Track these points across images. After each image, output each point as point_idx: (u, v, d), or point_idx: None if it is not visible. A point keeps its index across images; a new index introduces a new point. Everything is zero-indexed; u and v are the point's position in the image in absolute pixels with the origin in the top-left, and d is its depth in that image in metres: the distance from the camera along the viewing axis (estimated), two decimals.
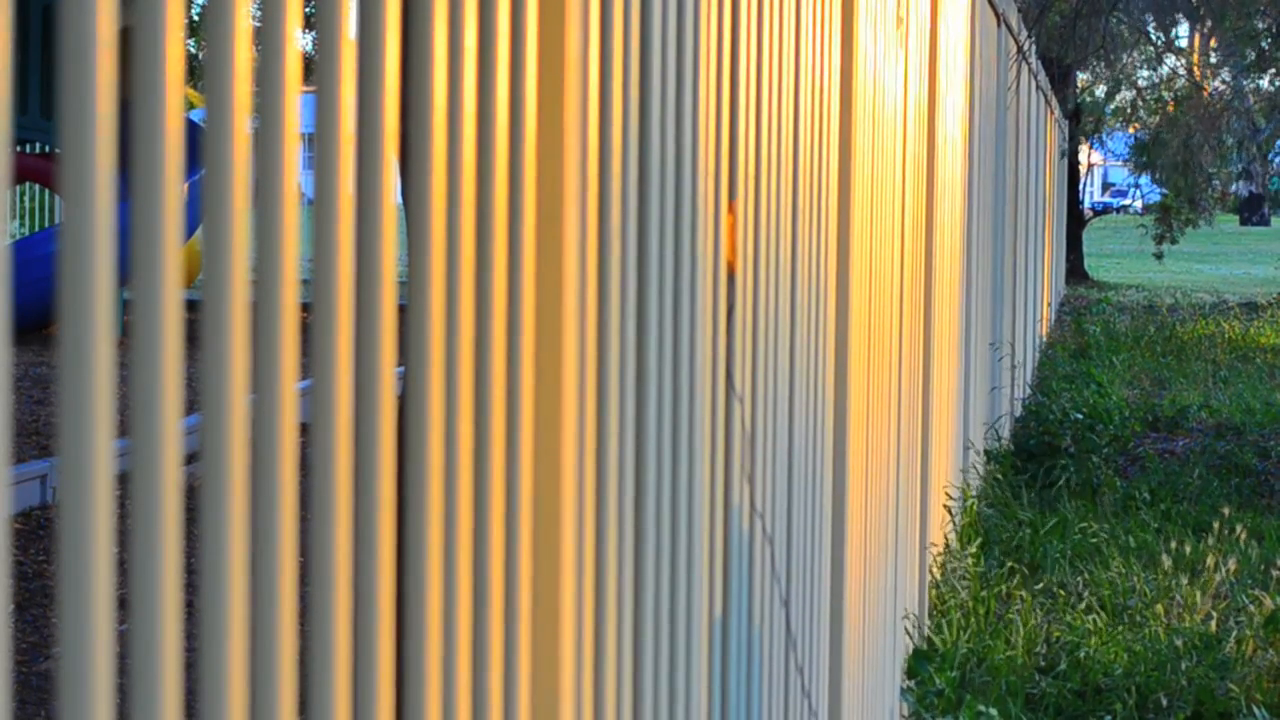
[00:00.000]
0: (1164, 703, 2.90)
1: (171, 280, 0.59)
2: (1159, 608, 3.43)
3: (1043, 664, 3.09)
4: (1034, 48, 6.40)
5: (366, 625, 0.74)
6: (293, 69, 0.66)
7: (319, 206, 0.71)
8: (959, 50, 3.67)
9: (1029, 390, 6.73)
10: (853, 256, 2.07)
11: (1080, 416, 5.15)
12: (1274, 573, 3.79)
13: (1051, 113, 9.33)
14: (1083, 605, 3.49)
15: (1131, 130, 16.83)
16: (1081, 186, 16.94)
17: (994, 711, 2.60)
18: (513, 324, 0.91)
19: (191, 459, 0.63)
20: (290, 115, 0.66)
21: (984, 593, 3.45)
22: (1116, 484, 4.88)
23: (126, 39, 0.56)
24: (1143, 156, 15.16)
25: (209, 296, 0.62)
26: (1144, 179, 16.02)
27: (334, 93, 0.71)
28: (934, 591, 3.32)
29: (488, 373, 0.87)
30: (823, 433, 1.95)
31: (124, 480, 0.59)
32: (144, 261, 0.58)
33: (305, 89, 0.70)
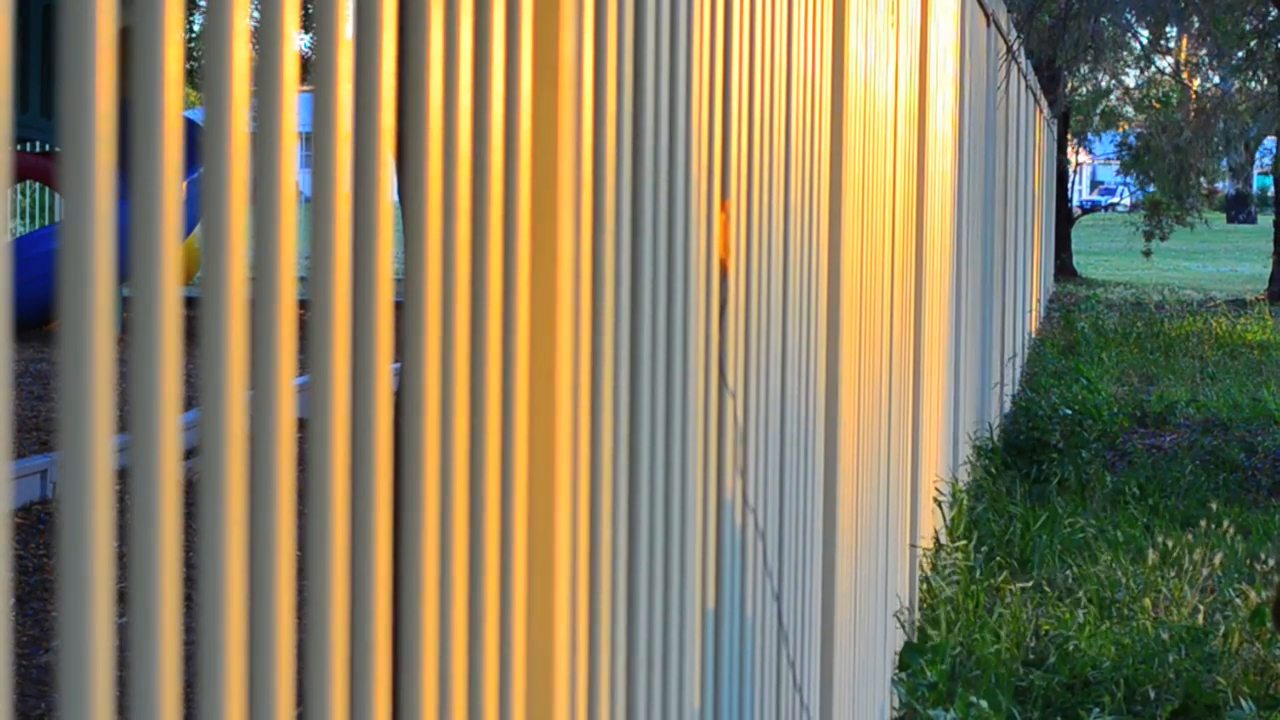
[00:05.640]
0: (1152, 695, 2.92)
1: (170, 277, 0.59)
2: (1147, 601, 3.45)
3: (1032, 657, 3.11)
4: (1023, 48, 6.42)
5: (363, 618, 0.75)
6: (290, 69, 0.67)
7: (316, 204, 0.72)
8: (949, 50, 3.68)
9: (1019, 386, 6.76)
10: (844, 254, 2.08)
11: (1069, 412, 5.17)
12: (1259, 567, 3.82)
13: (1041, 112, 9.35)
14: (1071, 599, 3.51)
15: (1121, 129, 16.89)
16: (1070, 185, 16.97)
17: (984, 704, 2.61)
18: (508, 320, 0.91)
19: (190, 454, 0.64)
20: (288, 114, 0.67)
21: (974, 586, 3.46)
22: (1105, 479, 4.90)
23: (126, 39, 0.57)
24: (1130, 156, 15.20)
25: (208, 293, 0.63)
26: (1131, 178, 16.08)
27: (331, 92, 0.71)
28: (924, 585, 3.33)
29: (483, 369, 0.88)
30: (815, 427, 1.96)
31: (123, 475, 0.59)
32: (143, 259, 0.59)
33: (303, 88, 0.71)
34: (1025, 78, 7.29)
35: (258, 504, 0.66)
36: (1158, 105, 14.58)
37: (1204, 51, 12.68)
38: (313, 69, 0.71)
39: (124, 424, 0.59)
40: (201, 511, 0.63)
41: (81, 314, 0.55)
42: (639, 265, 1.14)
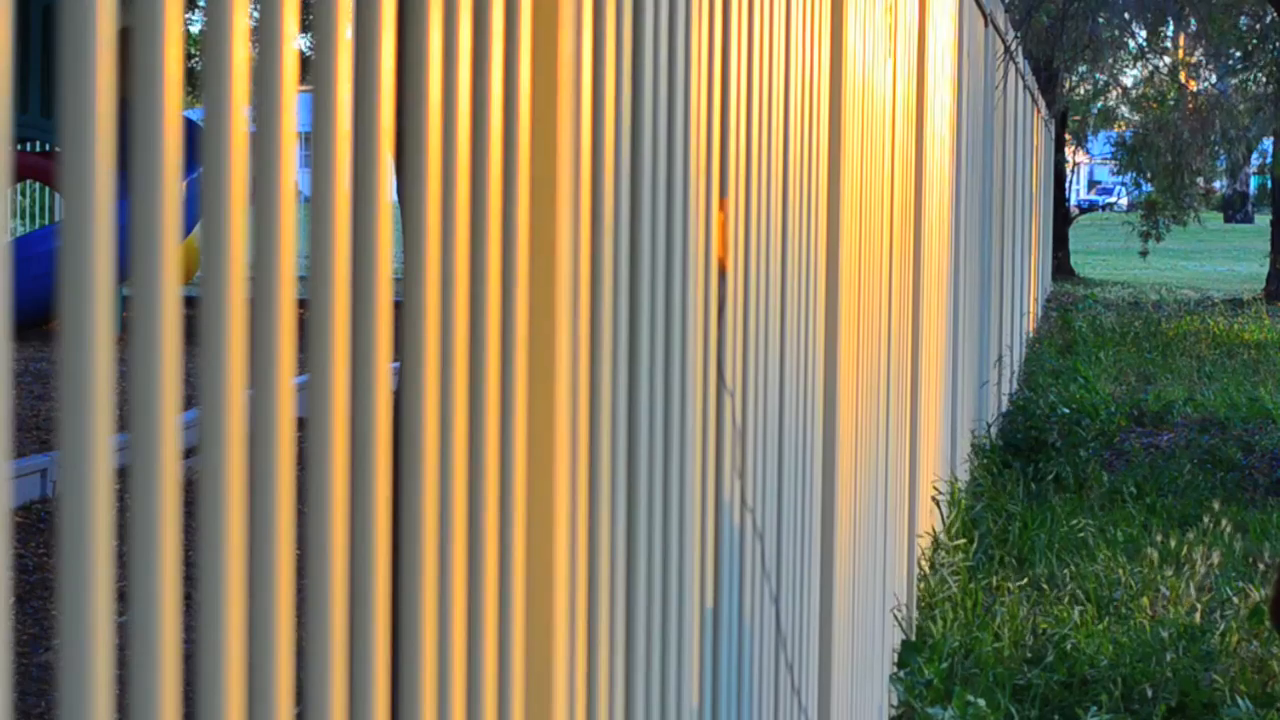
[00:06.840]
0: (1149, 694, 2.92)
1: (170, 277, 0.59)
2: (1144, 600, 3.46)
3: (1030, 655, 3.12)
4: (1021, 48, 6.43)
5: (363, 617, 0.75)
6: (290, 69, 0.67)
7: (316, 204, 0.72)
8: (947, 50, 3.68)
9: (1016, 385, 6.77)
10: (842, 253, 2.08)
11: (1067, 411, 5.18)
12: (1259, 565, 3.83)
13: (1038, 112, 9.37)
14: (1070, 598, 3.51)
15: (1118, 129, 16.92)
16: (1068, 184, 16.99)
17: (982, 702, 2.62)
18: (507, 320, 0.91)
19: (190, 453, 0.64)
20: (288, 114, 0.67)
21: (972, 585, 3.47)
22: (1103, 478, 4.91)
23: (126, 39, 0.57)
24: (1126, 154, 15.23)
25: (207, 293, 0.63)
26: (1129, 177, 16.11)
27: (331, 92, 0.72)
28: (923, 583, 3.34)
29: (482, 368, 0.88)
30: (813, 426, 1.96)
31: (123, 474, 0.59)
32: (143, 258, 0.59)
33: (303, 88, 0.71)
34: (1023, 77, 7.30)
35: (258, 504, 0.66)
36: (1155, 105, 14.62)
37: (1200, 51, 12.70)
38: (312, 69, 0.71)
39: (124, 423, 0.59)
40: (201, 511, 0.63)
41: (81, 314, 0.55)
42: (637, 264, 1.15)
